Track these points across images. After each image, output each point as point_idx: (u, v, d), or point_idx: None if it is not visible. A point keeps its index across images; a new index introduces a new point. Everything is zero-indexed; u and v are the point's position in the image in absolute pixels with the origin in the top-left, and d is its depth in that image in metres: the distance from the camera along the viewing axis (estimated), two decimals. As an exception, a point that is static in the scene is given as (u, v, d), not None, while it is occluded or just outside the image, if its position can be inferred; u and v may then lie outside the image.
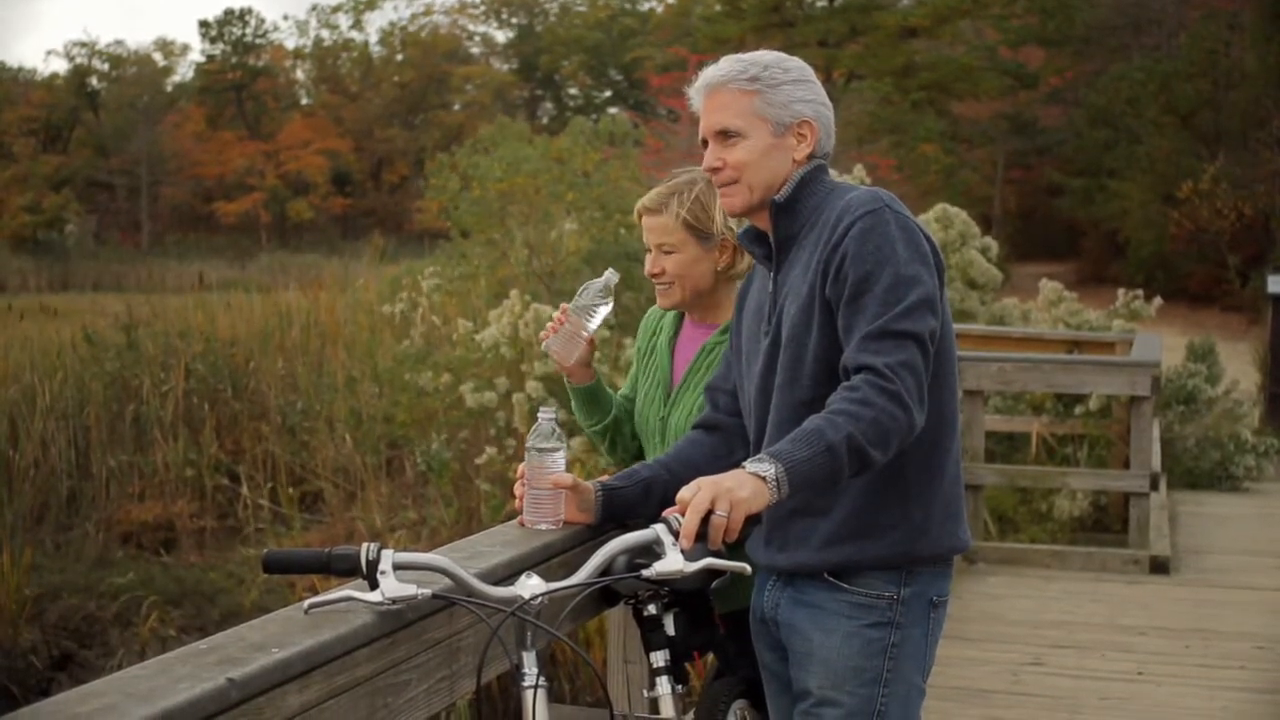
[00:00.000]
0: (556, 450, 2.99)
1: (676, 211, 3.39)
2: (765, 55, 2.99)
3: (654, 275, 3.48)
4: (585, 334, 3.42)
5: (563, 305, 3.43)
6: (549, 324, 3.45)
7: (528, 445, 3.01)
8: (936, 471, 2.89)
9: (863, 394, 2.67)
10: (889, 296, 2.74)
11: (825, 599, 2.92)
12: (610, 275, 3.38)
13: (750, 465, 2.63)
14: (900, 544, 2.87)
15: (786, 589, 3.01)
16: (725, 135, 2.95)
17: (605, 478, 3.23)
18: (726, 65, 2.97)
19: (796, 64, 3.00)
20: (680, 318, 3.64)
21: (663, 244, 3.43)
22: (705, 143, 3.00)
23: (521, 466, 3.05)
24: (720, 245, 3.44)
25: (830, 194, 2.94)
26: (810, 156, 2.98)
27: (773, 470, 2.61)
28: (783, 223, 2.97)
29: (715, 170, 2.98)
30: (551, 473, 3.00)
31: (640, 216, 3.49)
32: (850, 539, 2.88)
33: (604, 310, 3.37)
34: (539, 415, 3.01)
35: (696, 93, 3.00)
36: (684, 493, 2.63)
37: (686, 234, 3.40)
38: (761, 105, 2.93)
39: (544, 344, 3.47)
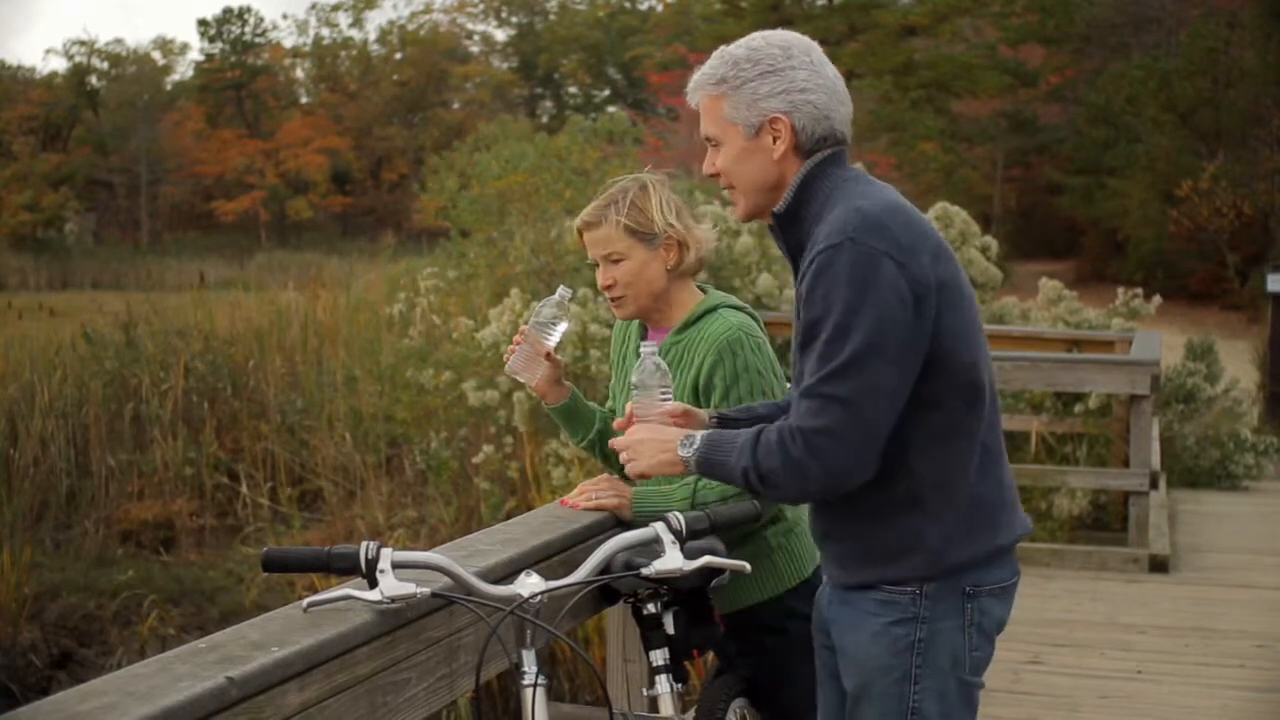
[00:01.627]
0: (664, 388, 3.05)
1: (616, 220, 3.38)
2: (738, 48, 2.90)
3: (606, 288, 3.45)
4: (545, 352, 3.42)
5: (521, 326, 3.43)
6: (509, 346, 3.45)
7: (634, 383, 3.05)
8: (953, 486, 2.80)
9: (777, 446, 2.75)
10: (825, 351, 2.68)
11: (857, 596, 2.90)
12: (563, 291, 3.40)
13: (683, 442, 2.89)
14: (920, 567, 2.81)
15: (835, 587, 3.01)
16: (710, 141, 2.93)
17: (723, 410, 3.26)
18: (706, 66, 2.92)
19: (771, 51, 2.87)
20: (643, 326, 3.62)
21: (609, 254, 3.42)
22: None
23: (629, 406, 3.07)
24: (665, 244, 3.43)
25: (830, 197, 2.83)
26: (798, 149, 2.85)
27: (692, 457, 2.87)
28: (789, 233, 2.89)
29: (714, 177, 2.95)
30: (660, 408, 3.03)
31: (581, 234, 3.48)
32: (869, 564, 2.86)
33: (562, 327, 3.39)
34: (642, 351, 3.06)
35: (689, 96, 2.96)
36: (619, 439, 2.97)
37: (631, 239, 3.39)
38: (730, 110, 2.86)
39: (506, 366, 3.46)
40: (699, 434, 2.88)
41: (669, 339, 3.47)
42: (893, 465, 2.75)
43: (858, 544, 2.87)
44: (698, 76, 2.91)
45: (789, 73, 2.84)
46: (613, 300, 3.46)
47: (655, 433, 2.94)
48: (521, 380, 3.48)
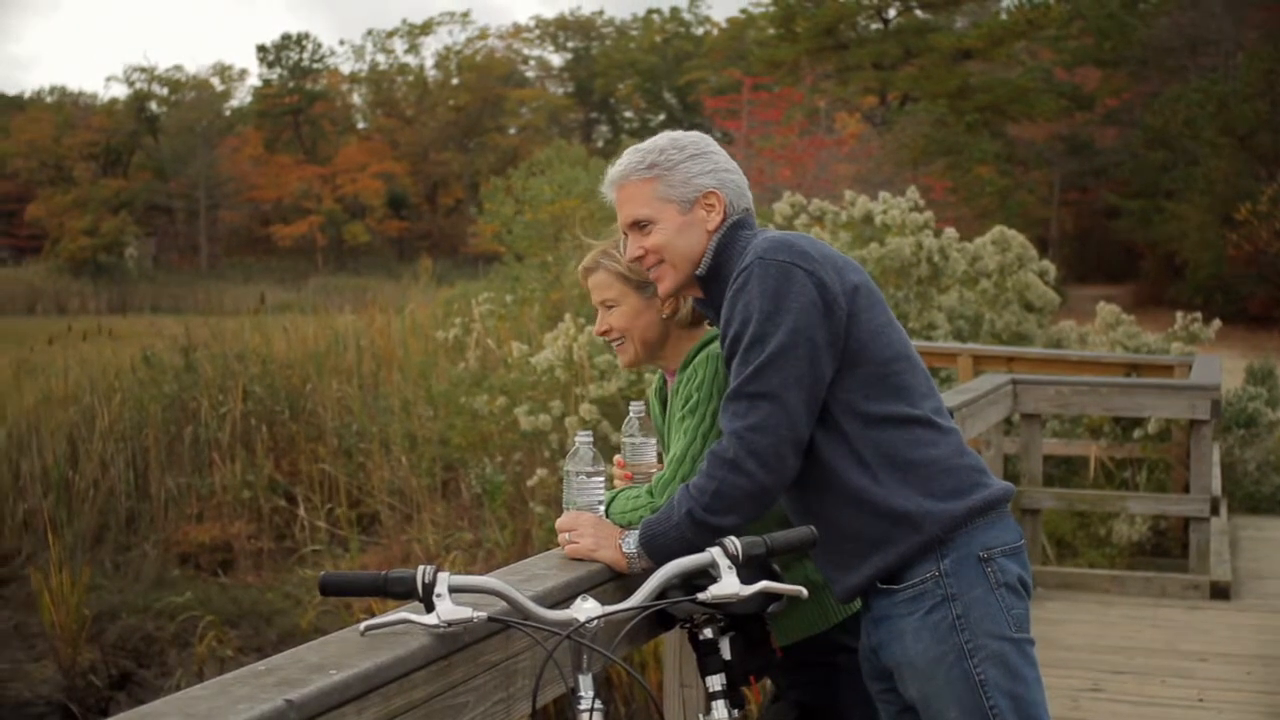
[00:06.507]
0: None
1: (609, 266, 3.37)
2: (660, 139, 3.14)
3: (604, 334, 3.42)
4: (655, 470, 3.39)
5: (617, 459, 3.42)
6: (619, 483, 3.39)
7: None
8: (908, 467, 2.94)
9: (708, 467, 2.90)
10: (746, 357, 2.89)
11: (887, 607, 3.00)
12: (635, 407, 3.39)
13: (626, 537, 2.97)
14: (903, 551, 2.93)
15: (868, 614, 3.09)
16: (639, 225, 3.11)
17: None
18: (626, 159, 3.14)
19: (693, 139, 3.14)
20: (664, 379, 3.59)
21: (605, 300, 3.40)
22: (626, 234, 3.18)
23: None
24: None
25: (744, 251, 3.03)
26: (724, 221, 3.09)
27: (635, 549, 2.95)
28: (713, 291, 3.10)
29: (639, 259, 3.13)
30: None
31: (584, 279, 3.47)
32: (867, 556, 2.98)
33: (652, 439, 3.41)
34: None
35: (607, 190, 3.19)
36: (563, 518, 3.05)
37: (625, 286, 3.35)
38: (664, 189, 3.08)
39: None
40: (637, 532, 2.98)
41: (675, 382, 3.43)
42: (846, 459, 2.95)
43: (849, 543, 2.99)
44: (622, 168, 3.15)
45: (713, 155, 3.14)
46: (614, 345, 3.44)
47: (599, 526, 3.03)
48: None
